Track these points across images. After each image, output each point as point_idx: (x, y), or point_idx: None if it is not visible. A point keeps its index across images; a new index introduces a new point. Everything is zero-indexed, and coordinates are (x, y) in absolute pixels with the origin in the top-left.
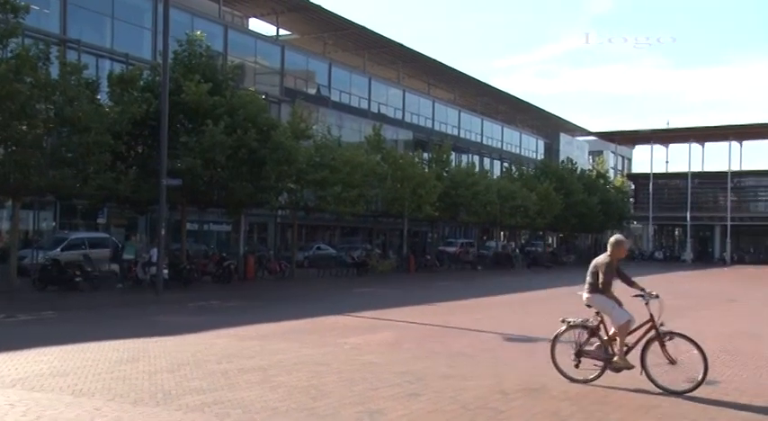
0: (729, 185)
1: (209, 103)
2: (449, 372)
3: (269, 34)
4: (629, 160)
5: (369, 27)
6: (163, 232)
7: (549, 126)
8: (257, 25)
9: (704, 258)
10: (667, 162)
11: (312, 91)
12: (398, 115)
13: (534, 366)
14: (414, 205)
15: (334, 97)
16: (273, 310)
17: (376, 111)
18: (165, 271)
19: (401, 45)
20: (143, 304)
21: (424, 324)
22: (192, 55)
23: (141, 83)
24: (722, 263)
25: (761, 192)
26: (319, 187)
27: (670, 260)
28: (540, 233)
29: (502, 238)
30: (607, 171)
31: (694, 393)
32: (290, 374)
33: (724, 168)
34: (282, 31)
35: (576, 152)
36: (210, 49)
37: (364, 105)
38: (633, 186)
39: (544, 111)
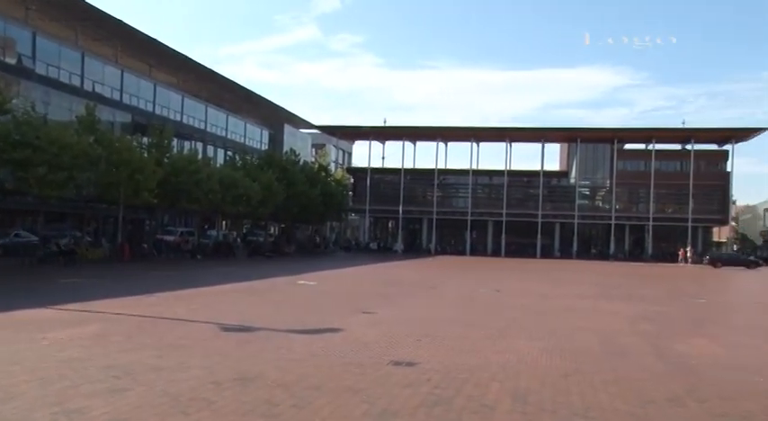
0: (436, 182)
1: None
2: (160, 364)
3: None
4: (350, 154)
5: None
6: None
7: (273, 117)
8: None
9: (413, 248)
10: (383, 158)
11: (12, 61)
12: (116, 96)
13: (250, 355)
14: (130, 191)
15: (40, 70)
16: None
17: (90, 89)
18: None
19: (119, 21)
20: None
21: (136, 315)
22: None
23: None
24: (428, 253)
25: (461, 190)
26: (20, 167)
27: (384, 250)
28: (263, 223)
29: (224, 227)
30: (329, 164)
31: (393, 374)
32: None
33: (432, 166)
34: None
35: (299, 144)
36: None
37: (76, 82)
38: (352, 180)
39: (269, 101)
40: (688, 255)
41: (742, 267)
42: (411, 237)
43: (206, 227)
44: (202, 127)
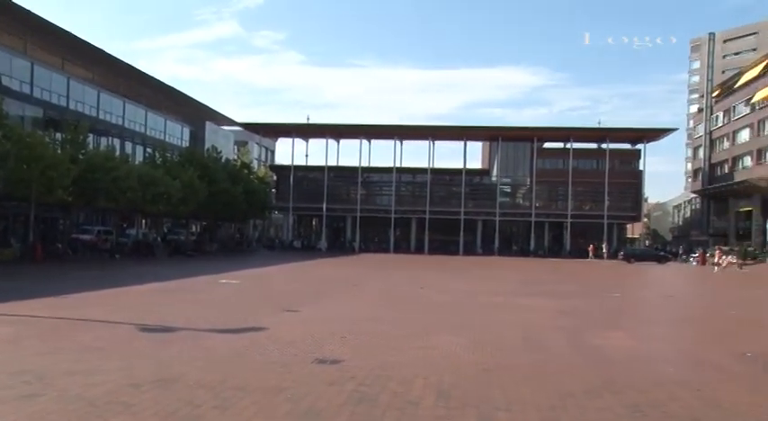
0: (360, 180)
1: None
2: (76, 368)
3: None
4: (273, 152)
5: None
6: None
7: (194, 114)
8: None
9: (337, 246)
10: (307, 155)
11: None
12: (26, 89)
13: (171, 356)
14: (43, 188)
15: None
16: None
17: None
18: None
19: (28, 11)
20: None
21: (50, 318)
22: None
23: None
24: (352, 251)
25: (384, 187)
26: None
27: (307, 248)
28: (184, 221)
29: (143, 226)
30: (251, 161)
31: (317, 372)
32: None
33: (356, 164)
34: None
35: (221, 141)
36: None
37: None
38: (275, 177)
39: (190, 98)
40: (603, 250)
41: (653, 262)
42: (335, 234)
43: (125, 225)
44: (120, 123)
